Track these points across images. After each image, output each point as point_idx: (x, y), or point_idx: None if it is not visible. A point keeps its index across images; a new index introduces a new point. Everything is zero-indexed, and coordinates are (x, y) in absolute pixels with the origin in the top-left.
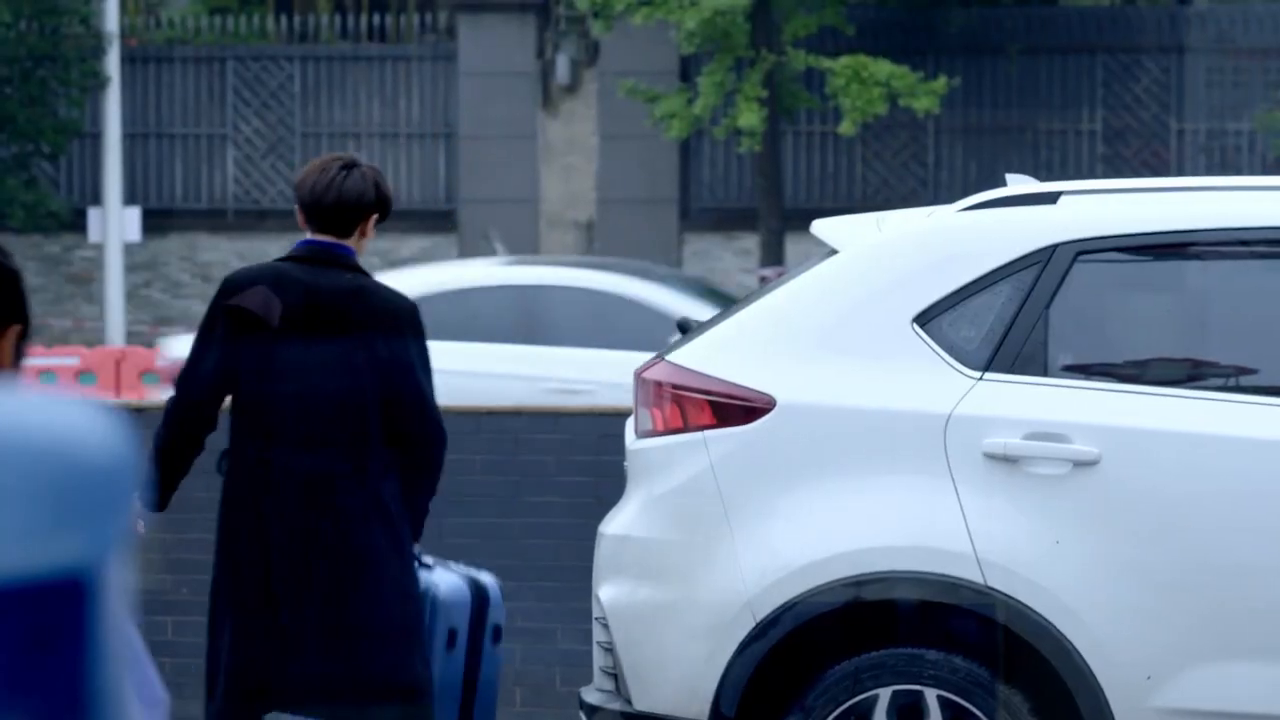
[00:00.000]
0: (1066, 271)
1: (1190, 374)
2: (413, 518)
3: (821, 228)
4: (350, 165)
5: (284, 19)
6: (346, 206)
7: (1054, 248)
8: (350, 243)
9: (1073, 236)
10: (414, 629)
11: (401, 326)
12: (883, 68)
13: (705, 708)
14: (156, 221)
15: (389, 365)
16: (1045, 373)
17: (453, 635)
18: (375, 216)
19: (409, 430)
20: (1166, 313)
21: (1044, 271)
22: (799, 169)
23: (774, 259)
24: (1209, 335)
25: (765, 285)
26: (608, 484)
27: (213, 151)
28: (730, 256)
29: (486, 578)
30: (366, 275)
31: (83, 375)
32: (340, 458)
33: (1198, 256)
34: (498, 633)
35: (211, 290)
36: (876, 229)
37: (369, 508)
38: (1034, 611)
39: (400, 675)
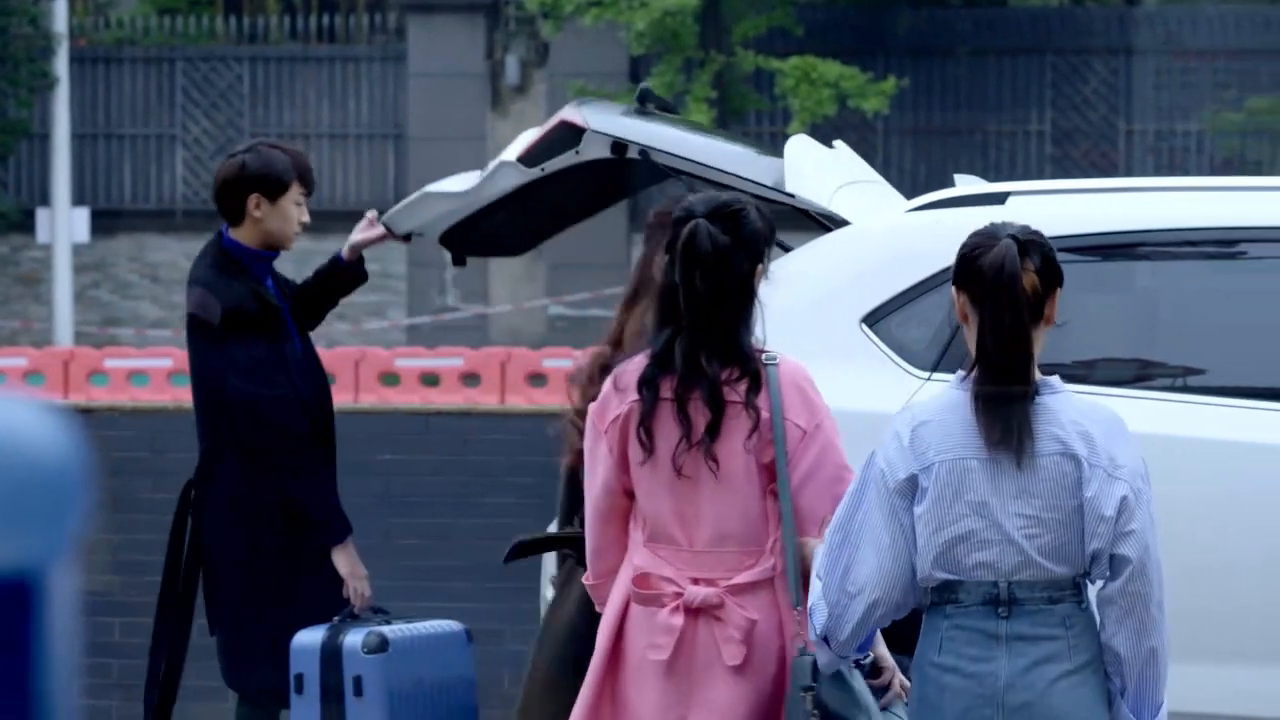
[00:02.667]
0: None
1: (1138, 374)
2: (291, 515)
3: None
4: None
5: (233, 20)
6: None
7: None
8: (233, 229)
9: None
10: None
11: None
12: (832, 69)
13: None
14: (105, 222)
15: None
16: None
17: (299, 680)
18: (253, 195)
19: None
20: (1114, 313)
21: None
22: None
23: None
24: (1157, 336)
25: None
26: (557, 484)
27: (161, 152)
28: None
29: (388, 632)
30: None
31: (30, 376)
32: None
33: (1146, 257)
34: (357, 684)
35: (161, 290)
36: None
37: (218, 509)
38: None
39: (228, 679)
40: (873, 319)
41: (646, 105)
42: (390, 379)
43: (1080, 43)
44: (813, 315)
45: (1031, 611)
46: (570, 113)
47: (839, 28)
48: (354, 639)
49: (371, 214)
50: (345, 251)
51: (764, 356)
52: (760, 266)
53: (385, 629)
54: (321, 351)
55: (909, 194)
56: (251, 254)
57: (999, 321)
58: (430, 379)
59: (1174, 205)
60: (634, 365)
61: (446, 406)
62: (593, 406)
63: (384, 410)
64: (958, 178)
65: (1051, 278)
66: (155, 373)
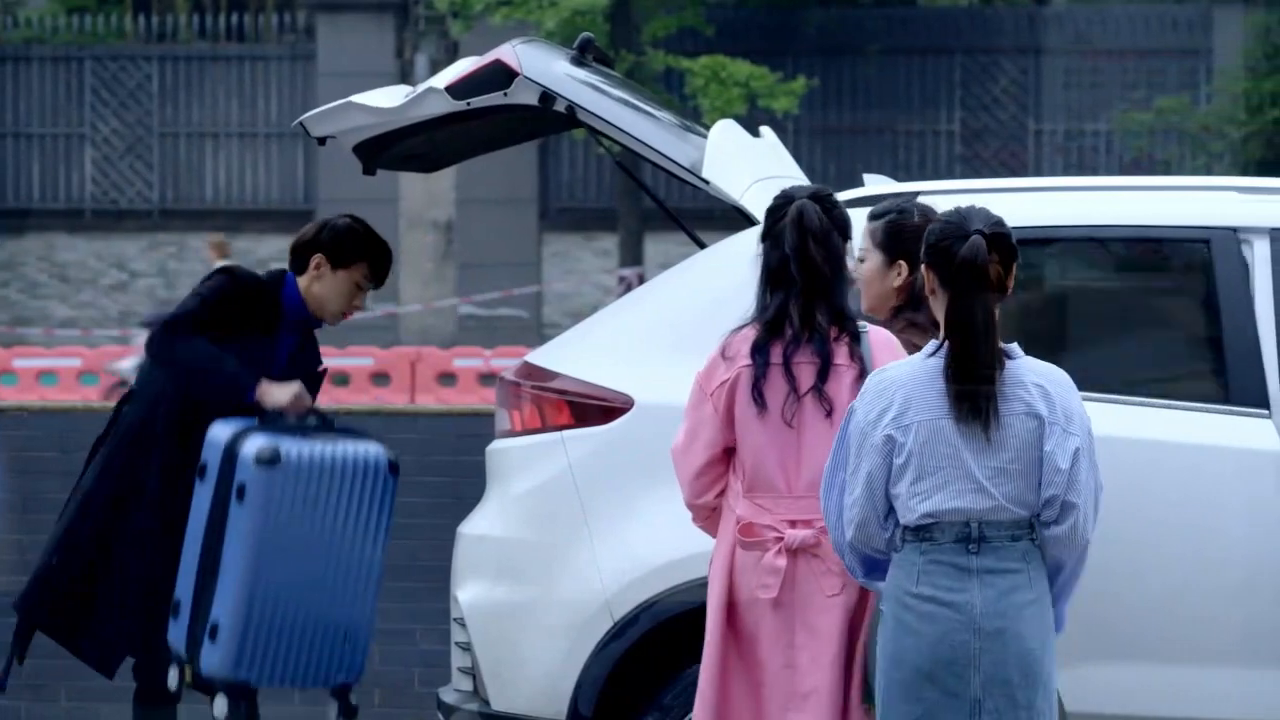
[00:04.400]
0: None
1: None
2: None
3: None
4: None
5: (142, 19)
6: None
7: None
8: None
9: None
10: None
11: None
12: (741, 68)
13: (563, 707)
14: (13, 221)
15: None
16: None
17: (203, 468)
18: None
19: None
20: (1022, 312)
21: None
22: (656, 171)
23: (633, 259)
24: (1066, 333)
25: (623, 285)
26: (467, 483)
27: (70, 151)
28: (590, 257)
29: (291, 447)
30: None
31: None
32: None
33: (1054, 256)
34: (240, 491)
35: (69, 290)
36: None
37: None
38: None
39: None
40: None
41: (586, 55)
42: None
43: (989, 42)
44: (721, 315)
45: (997, 548)
46: (507, 53)
47: (749, 27)
48: (251, 445)
49: (297, 389)
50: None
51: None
52: (848, 244)
53: (288, 441)
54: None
55: None
56: (295, 302)
57: (970, 313)
58: (340, 379)
59: (1082, 205)
60: (741, 336)
61: (355, 406)
62: (699, 373)
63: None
64: (867, 177)
65: (1010, 260)
66: (64, 372)
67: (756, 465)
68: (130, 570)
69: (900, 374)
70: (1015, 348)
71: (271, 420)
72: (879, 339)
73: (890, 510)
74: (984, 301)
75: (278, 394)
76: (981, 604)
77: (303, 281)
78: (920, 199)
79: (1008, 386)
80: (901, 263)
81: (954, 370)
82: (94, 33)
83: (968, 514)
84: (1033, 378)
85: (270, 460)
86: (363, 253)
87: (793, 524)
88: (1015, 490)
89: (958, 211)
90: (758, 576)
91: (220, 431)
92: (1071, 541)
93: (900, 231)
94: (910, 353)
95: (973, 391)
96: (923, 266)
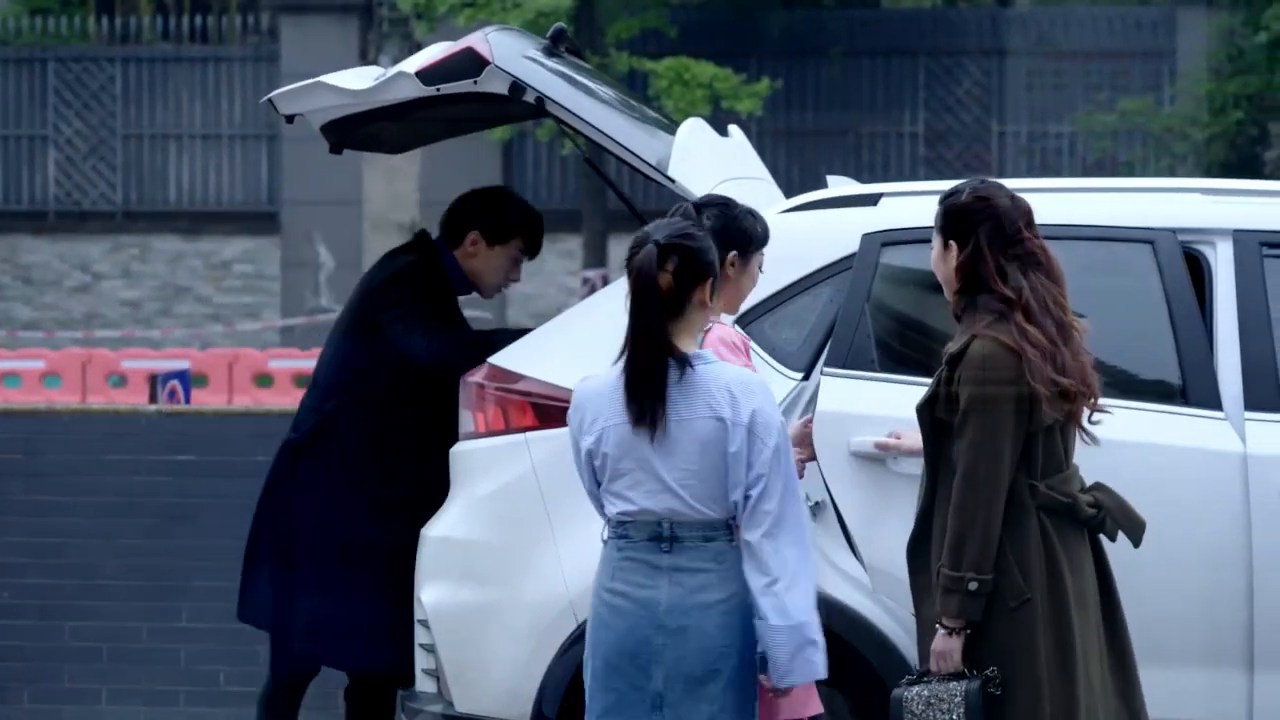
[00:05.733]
0: (877, 271)
1: None
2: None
3: None
4: None
5: (105, 20)
6: None
7: (876, 249)
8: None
9: (894, 238)
10: None
11: None
12: (705, 70)
13: (527, 709)
14: None
15: None
16: (870, 371)
17: None
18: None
19: None
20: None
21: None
22: (623, 170)
23: (597, 261)
24: None
25: (587, 287)
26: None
27: (34, 153)
28: (554, 258)
29: None
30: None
31: None
32: None
33: None
34: None
35: (33, 292)
36: None
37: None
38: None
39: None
40: (745, 320)
41: (559, 46)
42: (264, 380)
43: (953, 44)
44: None
45: (690, 548)
46: (479, 42)
47: (713, 29)
48: None
49: None
50: None
51: None
52: (731, 254)
53: None
54: (194, 354)
55: (782, 196)
56: (458, 276)
57: (636, 321)
58: (304, 380)
59: (1048, 205)
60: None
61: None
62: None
63: (258, 412)
64: (831, 179)
65: (693, 275)
66: (28, 374)
67: None
68: None
69: (595, 383)
70: (709, 354)
71: None
72: (711, 338)
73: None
74: (652, 311)
75: None
76: (667, 601)
77: (459, 256)
78: (980, 180)
79: (693, 392)
80: (953, 243)
81: (626, 378)
82: (56, 34)
83: (659, 515)
84: (722, 383)
85: None
86: (519, 227)
87: None
88: (704, 492)
89: (649, 226)
90: None
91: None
92: (771, 538)
93: (947, 212)
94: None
95: (639, 398)
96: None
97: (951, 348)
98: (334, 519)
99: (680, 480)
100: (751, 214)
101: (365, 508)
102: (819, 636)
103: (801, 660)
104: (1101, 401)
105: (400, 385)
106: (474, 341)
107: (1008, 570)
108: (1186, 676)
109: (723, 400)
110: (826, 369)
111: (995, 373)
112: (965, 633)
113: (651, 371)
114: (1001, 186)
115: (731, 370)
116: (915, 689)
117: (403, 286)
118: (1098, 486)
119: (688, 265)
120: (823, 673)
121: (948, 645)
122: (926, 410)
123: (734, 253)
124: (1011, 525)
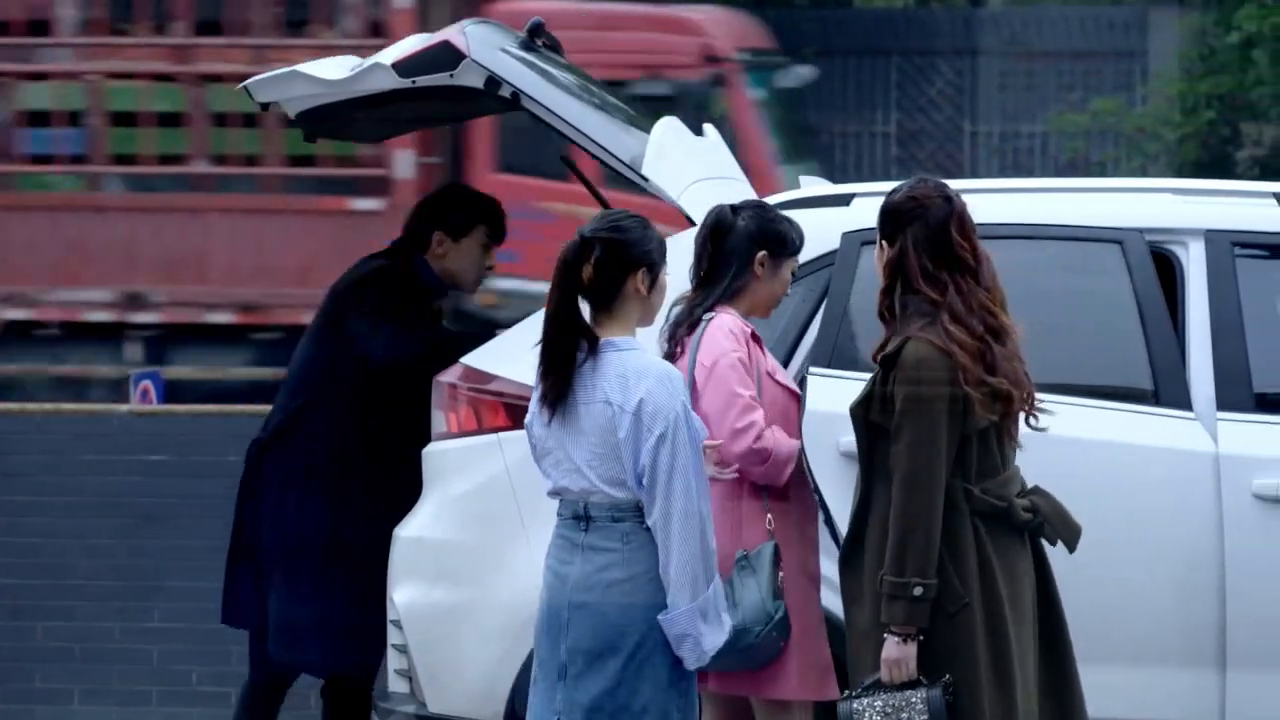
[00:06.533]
0: (858, 271)
1: None
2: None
3: None
4: None
5: None
6: None
7: (856, 248)
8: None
9: (871, 238)
10: None
11: None
12: None
13: (500, 709)
14: None
15: None
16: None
17: None
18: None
19: None
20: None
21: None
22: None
23: None
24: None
25: None
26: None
27: None
28: None
29: None
30: None
31: None
32: None
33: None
34: None
35: None
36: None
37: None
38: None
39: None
40: None
41: (536, 40)
42: None
43: (925, 44)
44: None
45: (601, 527)
46: (455, 35)
47: None
48: None
49: None
50: None
51: None
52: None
53: None
54: None
55: (756, 195)
56: (436, 281)
57: (549, 302)
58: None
59: (1019, 205)
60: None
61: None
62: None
63: (231, 412)
64: (803, 179)
65: (621, 265)
66: None
67: None
68: None
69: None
70: (622, 340)
71: None
72: (712, 326)
73: None
74: (562, 295)
75: None
76: (575, 577)
77: (430, 259)
78: (921, 179)
79: (595, 376)
80: (884, 241)
81: (539, 360)
82: None
83: (575, 494)
84: (619, 369)
85: None
86: (478, 216)
87: None
88: (608, 474)
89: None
90: None
91: None
92: (662, 528)
93: (881, 210)
94: (937, 347)
95: (544, 377)
96: None
97: (887, 349)
98: (295, 518)
99: (588, 462)
100: (789, 220)
101: (330, 507)
102: (696, 631)
103: (685, 650)
104: (1073, 400)
105: (370, 386)
106: (435, 341)
107: (946, 576)
108: (1159, 676)
109: (615, 386)
110: (813, 369)
111: (930, 374)
112: (919, 639)
113: (558, 353)
114: (942, 186)
115: (635, 357)
116: (866, 700)
117: (370, 288)
118: (1036, 491)
119: (613, 256)
120: (701, 662)
121: (903, 652)
122: (861, 412)
123: (763, 252)
124: (947, 530)
